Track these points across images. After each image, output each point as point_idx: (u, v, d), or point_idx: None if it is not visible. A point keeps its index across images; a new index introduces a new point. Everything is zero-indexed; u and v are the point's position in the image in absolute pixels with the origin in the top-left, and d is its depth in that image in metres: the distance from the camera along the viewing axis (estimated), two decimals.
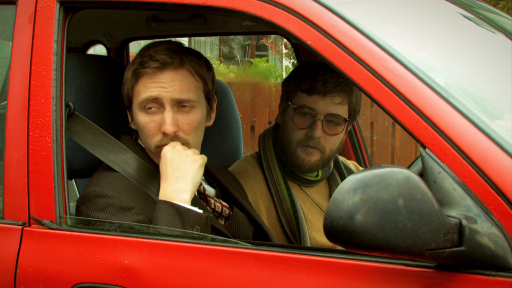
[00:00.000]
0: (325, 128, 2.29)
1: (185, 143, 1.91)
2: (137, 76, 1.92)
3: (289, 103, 2.34)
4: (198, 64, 1.96)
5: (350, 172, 2.56)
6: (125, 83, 1.97)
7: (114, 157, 1.90)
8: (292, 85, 2.35)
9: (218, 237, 1.72)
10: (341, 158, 2.63)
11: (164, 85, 1.89)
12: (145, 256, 1.61)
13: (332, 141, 2.32)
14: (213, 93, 2.04)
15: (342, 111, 2.31)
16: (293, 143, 2.32)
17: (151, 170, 1.92)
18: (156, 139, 1.90)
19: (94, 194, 1.81)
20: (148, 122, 1.90)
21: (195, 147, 1.96)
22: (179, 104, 1.90)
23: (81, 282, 1.64)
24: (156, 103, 1.89)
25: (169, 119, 1.87)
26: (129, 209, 1.79)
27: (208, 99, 2.01)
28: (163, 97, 1.88)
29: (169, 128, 1.87)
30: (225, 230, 1.96)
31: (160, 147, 1.90)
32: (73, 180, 2.97)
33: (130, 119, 2.01)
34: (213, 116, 2.08)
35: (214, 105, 2.07)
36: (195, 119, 1.93)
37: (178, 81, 1.90)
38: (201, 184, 2.01)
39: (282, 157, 2.40)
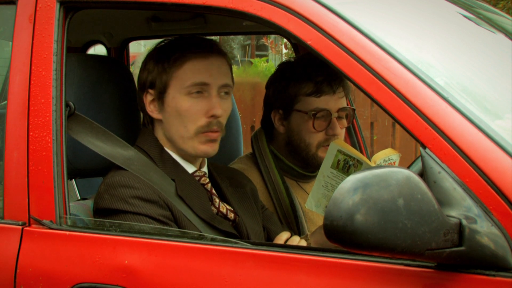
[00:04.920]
0: (339, 123, 2.37)
1: (222, 131, 1.97)
2: (181, 60, 1.94)
3: (294, 109, 2.37)
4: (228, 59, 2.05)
5: None
6: (159, 73, 1.96)
7: (117, 154, 1.90)
8: (290, 91, 2.37)
9: (218, 237, 1.72)
10: None
11: (213, 71, 1.95)
12: (145, 256, 1.60)
13: (343, 133, 2.42)
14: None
15: (346, 102, 2.40)
16: (312, 146, 2.37)
17: (154, 166, 1.92)
18: (199, 124, 1.93)
19: (119, 184, 1.82)
20: (192, 106, 1.93)
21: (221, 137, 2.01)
22: (222, 90, 1.97)
23: (81, 282, 1.64)
24: (202, 88, 1.94)
25: (218, 103, 1.93)
26: (154, 202, 1.81)
27: None
28: (211, 83, 1.94)
29: (219, 111, 1.92)
30: (234, 230, 1.94)
31: (202, 134, 1.92)
32: (73, 180, 2.97)
33: (155, 109, 1.98)
34: None
35: None
36: (230, 106, 2.02)
37: (223, 67, 1.98)
38: (208, 182, 2.01)
39: (296, 162, 2.43)
